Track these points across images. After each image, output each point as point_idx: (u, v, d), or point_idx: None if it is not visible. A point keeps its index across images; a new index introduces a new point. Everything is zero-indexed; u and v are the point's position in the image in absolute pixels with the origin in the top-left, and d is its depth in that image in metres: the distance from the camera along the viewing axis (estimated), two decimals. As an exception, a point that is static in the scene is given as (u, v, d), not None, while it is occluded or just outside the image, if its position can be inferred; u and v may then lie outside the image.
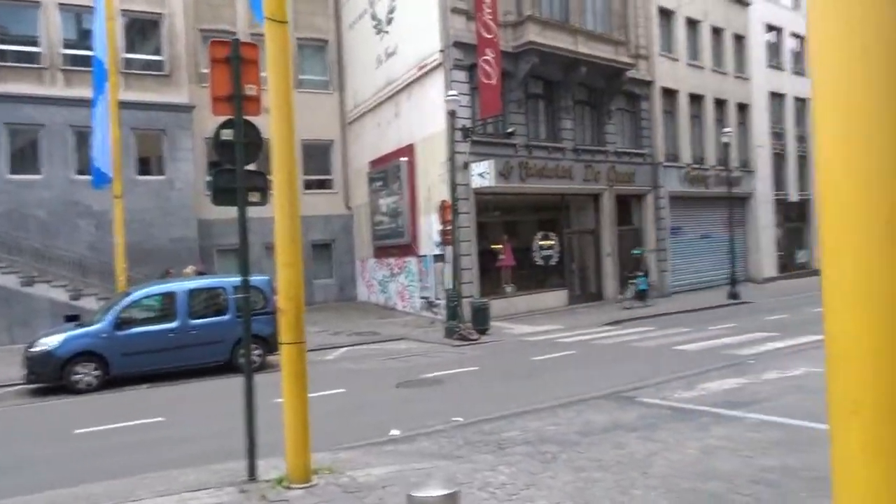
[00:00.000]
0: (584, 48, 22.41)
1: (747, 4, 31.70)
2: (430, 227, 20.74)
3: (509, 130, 20.25)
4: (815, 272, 34.76)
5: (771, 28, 33.61)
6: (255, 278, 12.26)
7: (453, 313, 16.62)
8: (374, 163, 24.73)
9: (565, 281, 23.15)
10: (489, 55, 19.54)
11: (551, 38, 21.32)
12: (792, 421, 7.11)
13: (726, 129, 26.30)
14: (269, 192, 6.11)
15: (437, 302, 20.16)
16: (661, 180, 26.14)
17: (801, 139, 35.28)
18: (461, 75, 19.92)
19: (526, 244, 22.24)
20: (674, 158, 27.19)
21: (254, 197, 6.15)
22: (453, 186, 17.49)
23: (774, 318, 17.93)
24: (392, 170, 22.84)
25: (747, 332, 15.16)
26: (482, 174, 19.60)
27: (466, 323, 16.66)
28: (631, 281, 22.76)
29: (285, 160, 5.79)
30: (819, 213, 1.78)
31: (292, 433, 5.68)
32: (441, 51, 19.94)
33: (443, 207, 17.58)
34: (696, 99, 28.53)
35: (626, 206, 25.70)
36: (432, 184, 20.55)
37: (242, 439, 5.86)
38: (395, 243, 23.02)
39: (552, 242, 22.84)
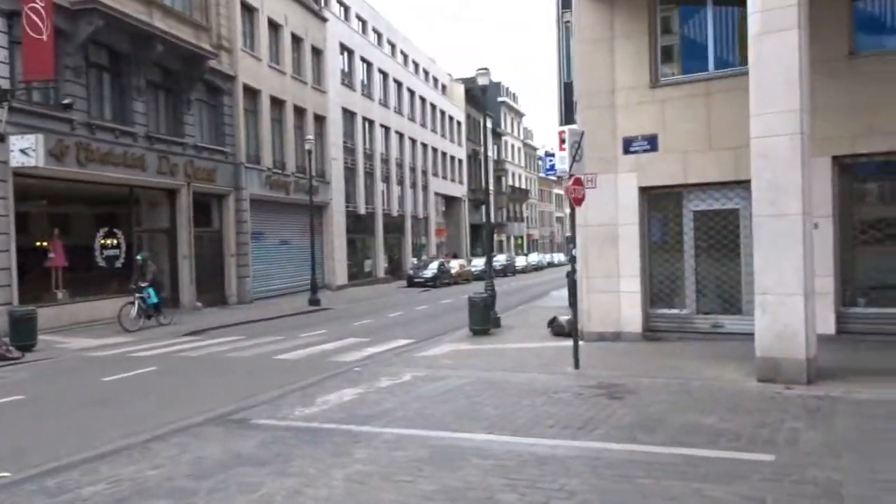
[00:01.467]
0: (161, 24, 19.86)
1: (325, 20, 32.75)
2: (-56, 214, 15.58)
3: (66, 101, 16.48)
4: (380, 279, 37.71)
5: (345, 48, 35.42)
6: None
7: (-19, 328, 12.52)
8: None
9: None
10: (38, 3, 15.62)
11: (120, 2, 18.24)
12: (427, 432, 6.57)
13: (308, 137, 26.48)
14: None
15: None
16: (242, 181, 24.83)
17: (369, 157, 37.98)
18: (-1, 22, 15.51)
19: (85, 242, 18.50)
20: (256, 160, 26.19)
21: None
22: (-15, 161, 13.32)
23: (360, 323, 18.23)
24: None
25: (340, 337, 14.90)
26: (26, 150, 15.52)
27: (2, 338, 12.72)
28: (138, 294, 16.97)
29: None
30: None
31: None
32: (-31, -17, 15.22)
33: (-33, 187, 13.21)
34: (277, 103, 28.09)
35: (206, 206, 23.69)
36: (-50, 157, 15.49)
37: None
38: None
39: (117, 241, 19.50)
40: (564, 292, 26.62)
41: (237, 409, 7.90)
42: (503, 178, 69.36)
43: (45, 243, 17.13)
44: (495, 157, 68.69)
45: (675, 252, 11.88)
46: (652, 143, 11.49)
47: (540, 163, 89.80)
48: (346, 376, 9.93)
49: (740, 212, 11.26)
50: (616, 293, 11.98)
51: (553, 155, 22.55)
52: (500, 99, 71.06)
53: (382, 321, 18.79)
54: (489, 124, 66.50)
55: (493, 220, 17.22)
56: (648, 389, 8.07)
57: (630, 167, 11.83)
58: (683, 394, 7.80)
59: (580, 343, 12.00)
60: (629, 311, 11.87)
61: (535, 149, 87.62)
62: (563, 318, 13.74)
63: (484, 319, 14.52)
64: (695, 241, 11.66)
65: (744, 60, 11.14)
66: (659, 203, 11.98)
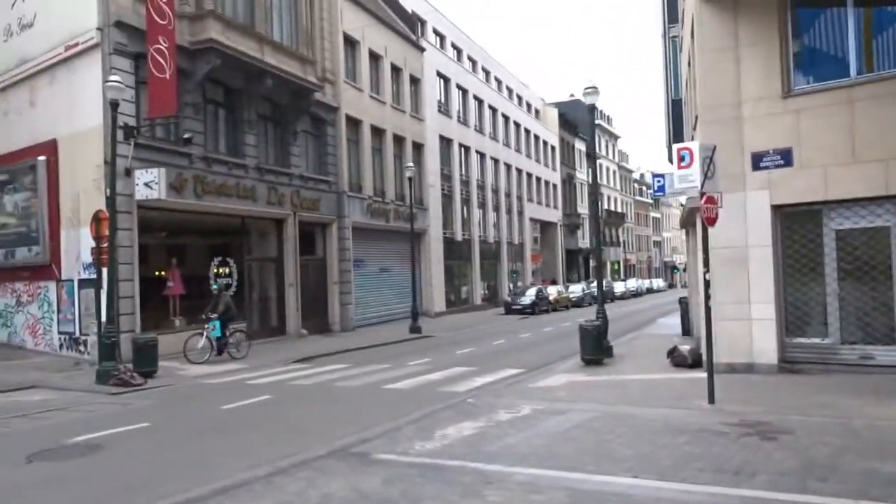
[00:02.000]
0: (271, 59, 20.52)
1: (422, 49, 33.18)
2: (77, 244, 16.47)
3: (186, 136, 17.22)
4: (477, 306, 37.39)
5: (441, 76, 35.75)
6: None
7: (109, 352, 13.00)
8: (-5, 162, 19.17)
9: (244, 313, 20.50)
10: (163, 44, 16.46)
11: (235, 41, 18.98)
12: (561, 474, 6.07)
13: (409, 164, 26.63)
14: None
15: (85, 338, 15.97)
16: (345, 210, 25.21)
17: (465, 183, 37.98)
18: (125, 63, 16.41)
19: (199, 271, 19.16)
20: (357, 189, 26.58)
21: None
22: (113, 196, 13.97)
23: (463, 352, 17.87)
24: (23, 170, 17.85)
25: (446, 367, 14.58)
26: (149, 184, 16.24)
27: (126, 364, 13.19)
28: (206, 326, 16.24)
29: None
30: None
31: None
32: (99, 29, 16.19)
33: (98, 220, 13.88)
34: (377, 132, 28.53)
35: (311, 234, 24.16)
36: (83, 191, 16.42)
37: None
38: (24, 263, 17.92)
39: (230, 270, 20.11)
40: (673, 320, 25.42)
41: (355, 443, 7.65)
42: (599, 202, 67.91)
43: (163, 272, 17.83)
44: (589, 181, 67.49)
45: (813, 275, 10.85)
46: (786, 157, 10.60)
47: (636, 184, 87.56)
48: (460, 408, 9.55)
49: (892, 230, 10.17)
50: (747, 321, 11.06)
51: (662, 176, 21.55)
52: (594, 121, 69.92)
53: (486, 349, 18.36)
54: (590, 146, 65.49)
55: (600, 242, 16.68)
56: (804, 429, 7.22)
57: (760, 184, 10.97)
58: (848, 435, 6.91)
59: (705, 375, 11.19)
60: (762, 341, 10.92)
61: (630, 171, 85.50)
62: (685, 347, 12.87)
63: (597, 349, 13.82)
64: (837, 263, 10.61)
65: (889, 64, 10.20)
66: (794, 222, 11.01)
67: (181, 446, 8.09)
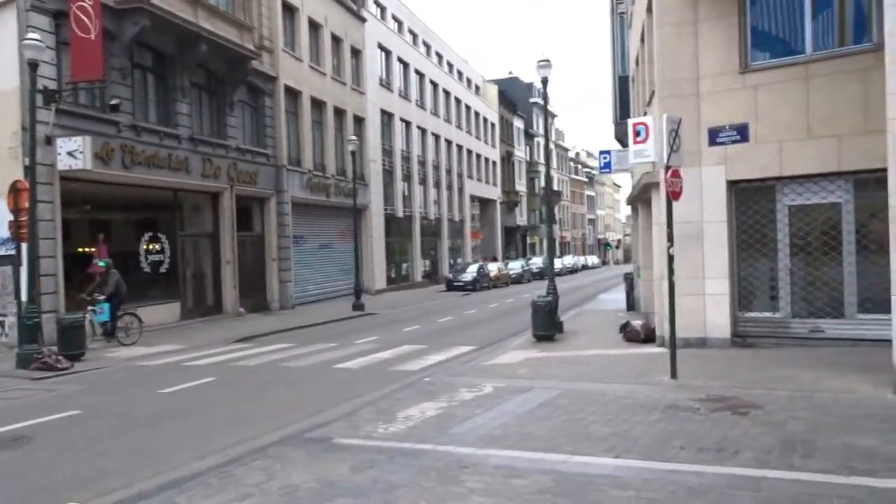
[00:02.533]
0: (206, 23, 19.41)
1: (363, 20, 32.21)
2: (-9, 219, 15.19)
3: (114, 102, 16.04)
4: (418, 283, 37.03)
5: (382, 49, 34.87)
6: None
7: (30, 334, 12.01)
8: None
9: (178, 292, 19.53)
10: (86, 1, 15.20)
11: (166, 1, 17.80)
12: (539, 455, 5.79)
13: (352, 137, 25.89)
14: None
15: (3, 319, 14.77)
16: (284, 184, 24.29)
17: (406, 159, 37.37)
18: (43, 22, 15.09)
19: (129, 248, 18.05)
20: (296, 163, 25.65)
21: None
22: (33, 165, 12.86)
23: (411, 329, 17.51)
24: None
25: (395, 345, 14.18)
26: (73, 153, 15.07)
27: (51, 347, 12.23)
28: (90, 308, 14.52)
29: None
30: None
31: None
32: (15, -18, 14.82)
33: (16, 191, 12.73)
34: (317, 104, 27.56)
35: (248, 209, 23.20)
36: (-4, 160, 15.11)
37: None
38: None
39: (162, 247, 19.05)
40: (614, 295, 25.72)
41: (312, 427, 7.19)
42: (535, 180, 68.34)
43: (89, 249, 16.69)
44: (528, 159, 67.74)
45: (766, 251, 10.94)
46: (742, 132, 10.56)
47: (571, 163, 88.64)
48: (418, 387, 9.20)
49: (843, 206, 10.31)
50: (701, 296, 11.09)
51: (608, 152, 21.53)
52: (531, 100, 70.11)
53: (433, 327, 18.05)
54: (521, 125, 65.67)
55: (552, 219, 16.62)
56: (772, 403, 7.18)
57: (717, 160, 10.94)
58: (817, 409, 6.90)
59: (663, 350, 11.19)
60: (716, 316, 10.97)
61: (566, 150, 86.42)
62: (637, 322, 12.88)
63: (549, 324, 13.70)
64: (790, 239, 10.71)
65: (844, 42, 10.26)
66: (748, 198, 11.05)
67: (119, 436, 7.43)
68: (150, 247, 18.65)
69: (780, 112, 10.43)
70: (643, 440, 6.08)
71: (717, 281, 10.93)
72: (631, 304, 18.75)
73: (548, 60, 14.83)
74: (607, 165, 20.81)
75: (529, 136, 68.75)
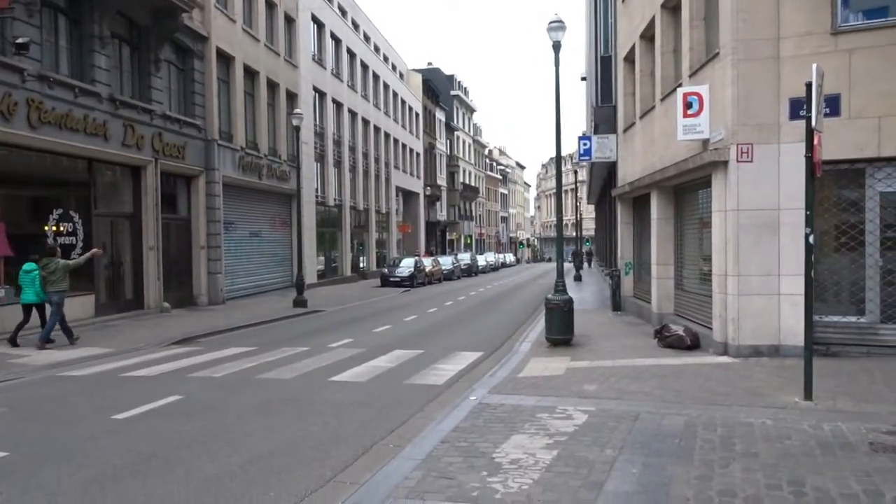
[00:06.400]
0: (131, -38, 16.16)
1: (298, -13, 29.21)
2: None
3: (22, 41, 12.67)
4: (347, 278, 34.31)
5: (315, 20, 31.96)
6: None
7: None
8: None
9: (91, 283, 16.16)
10: None
11: (88, -71, 14.52)
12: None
13: (297, 111, 23.02)
14: None
15: None
16: (215, 161, 21.13)
17: (338, 143, 34.57)
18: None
19: (32, 227, 14.63)
20: (228, 138, 22.51)
21: None
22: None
23: (381, 330, 15.11)
24: None
25: (382, 350, 11.75)
26: (-35, 103, 11.68)
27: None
28: None
29: None
30: None
31: None
32: None
33: None
34: (250, 74, 24.45)
35: (174, 188, 19.94)
36: None
37: None
38: None
39: (74, 227, 15.66)
40: (574, 294, 24.10)
41: (374, 482, 4.83)
42: (455, 175, 66.77)
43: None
44: (448, 153, 65.99)
45: (849, 245, 9.45)
46: (832, 105, 8.99)
47: (487, 160, 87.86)
48: (479, 412, 6.95)
49: (948, 194, 8.96)
50: (775, 296, 9.47)
51: (588, 138, 19.75)
52: (452, 92, 68.45)
53: (407, 328, 15.71)
54: (443, 117, 63.84)
55: (562, 213, 14.80)
56: None
57: (799, 136, 9.25)
58: None
59: (731, 359, 9.49)
60: (792, 320, 9.36)
61: (483, 146, 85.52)
62: (676, 327, 11.15)
63: (567, 327, 11.76)
64: (880, 232, 9.26)
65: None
66: (829, 183, 9.53)
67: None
68: (60, 228, 15.23)
69: (879, 82, 8.94)
70: (926, 507, 4.18)
71: (795, 279, 9.30)
72: (617, 305, 17.17)
73: (561, 21, 12.84)
74: (587, 152, 19.18)
75: (451, 129, 67.04)
